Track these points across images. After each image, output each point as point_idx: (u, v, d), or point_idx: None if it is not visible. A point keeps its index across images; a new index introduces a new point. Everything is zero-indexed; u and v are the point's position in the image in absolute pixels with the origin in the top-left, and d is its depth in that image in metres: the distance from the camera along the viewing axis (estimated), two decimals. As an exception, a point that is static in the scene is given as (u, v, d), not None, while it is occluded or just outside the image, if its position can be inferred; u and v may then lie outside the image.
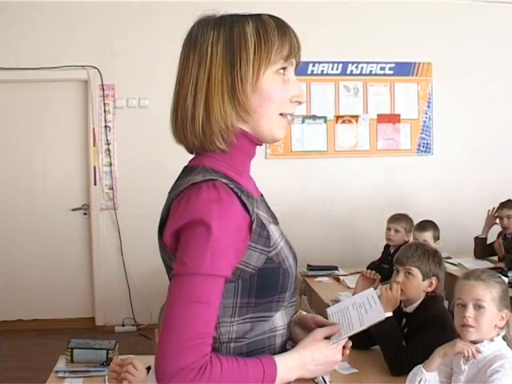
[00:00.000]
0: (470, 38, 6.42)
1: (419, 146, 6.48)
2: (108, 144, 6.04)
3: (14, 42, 5.85)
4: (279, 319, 1.37)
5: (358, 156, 6.42)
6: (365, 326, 1.39)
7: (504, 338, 2.28)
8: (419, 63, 6.41)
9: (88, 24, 5.93)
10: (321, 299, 4.20)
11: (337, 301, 3.57)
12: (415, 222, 4.93)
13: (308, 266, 5.02)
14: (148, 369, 2.35)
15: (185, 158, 1.43)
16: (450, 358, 2.29)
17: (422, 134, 6.47)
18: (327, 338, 1.39)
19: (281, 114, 1.36)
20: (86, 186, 6.13)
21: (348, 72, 6.35)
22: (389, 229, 4.94)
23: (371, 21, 6.28)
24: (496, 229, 5.30)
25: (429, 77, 6.44)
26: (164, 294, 1.27)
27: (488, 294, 2.24)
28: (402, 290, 2.90)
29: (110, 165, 6.05)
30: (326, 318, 1.50)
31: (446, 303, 3.15)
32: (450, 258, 5.10)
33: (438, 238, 4.80)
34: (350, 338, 1.41)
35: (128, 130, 6.02)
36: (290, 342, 1.42)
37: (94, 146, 6.02)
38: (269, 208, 1.43)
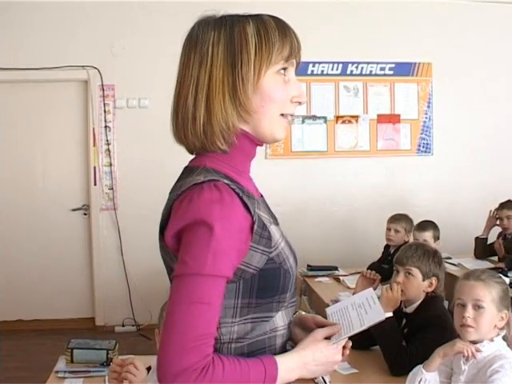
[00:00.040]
0: (469, 38, 6.42)
1: (419, 146, 6.48)
2: (108, 144, 6.04)
3: (14, 42, 5.85)
4: (280, 319, 1.37)
5: (358, 156, 6.42)
6: (365, 326, 1.39)
7: (504, 338, 2.28)
8: (419, 63, 6.41)
9: (88, 24, 5.93)
10: (321, 299, 4.20)
11: (337, 301, 3.57)
12: (415, 222, 4.93)
13: (308, 266, 5.02)
14: (148, 369, 2.35)
15: (185, 158, 1.43)
16: (450, 358, 2.29)
17: (421, 134, 6.47)
18: (327, 338, 1.39)
19: (281, 115, 1.36)
20: (86, 186, 6.13)
21: (348, 72, 6.35)
22: (389, 229, 4.93)
23: (371, 21, 6.28)
24: (496, 229, 5.30)
25: (429, 77, 6.44)
26: (164, 294, 1.27)
27: (487, 294, 2.24)
28: (402, 290, 2.90)
29: (110, 165, 6.05)
30: (326, 318, 1.50)
31: (446, 303, 3.15)
32: (450, 258, 5.11)
33: (438, 238, 4.80)
34: (350, 338, 1.41)
35: (128, 130, 6.02)
36: (289, 343, 1.43)
37: (94, 146, 6.02)
38: (269, 209, 1.43)
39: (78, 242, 6.18)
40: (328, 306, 1.59)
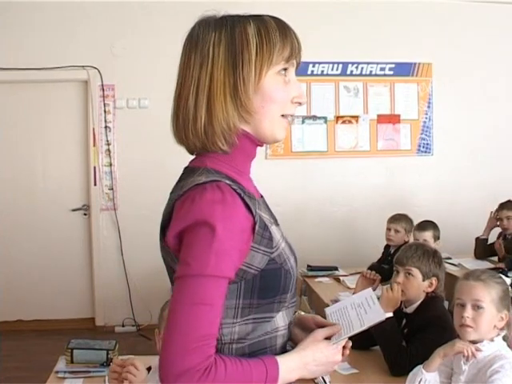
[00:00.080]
0: (469, 38, 6.42)
1: (419, 146, 6.48)
2: (108, 144, 6.04)
3: (14, 42, 5.85)
4: (280, 320, 1.38)
5: (358, 156, 6.42)
6: (365, 326, 1.39)
7: (504, 338, 2.28)
8: (419, 64, 6.41)
9: (88, 24, 5.93)
10: (321, 299, 4.20)
11: (337, 301, 3.57)
12: (415, 222, 4.93)
13: (308, 266, 5.02)
14: (148, 369, 2.35)
15: (185, 158, 1.43)
16: (450, 359, 2.30)
17: (422, 134, 6.47)
18: (327, 338, 1.39)
19: (282, 115, 1.36)
20: (86, 186, 6.13)
21: (348, 72, 6.35)
22: (389, 229, 4.94)
23: (371, 21, 6.28)
24: (496, 229, 5.30)
25: (429, 77, 6.44)
26: (164, 294, 1.27)
27: (487, 294, 2.24)
28: (402, 290, 2.90)
29: (110, 165, 6.05)
30: (325, 318, 1.50)
31: (446, 304, 3.15)
32: (450, 258, 5.11)
33: (439, 238, 4.80)
34: (350, 338, 1.41)
35: (128, 131, 6.02)
36: (289, 343, 1.43)
37: (94, 146, 6.02)
38: (269, 209, 1.43)
39: (78, 242, 6.18)
40: (328, 306, 1.58)
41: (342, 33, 6.24)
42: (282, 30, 1.33)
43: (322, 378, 1.49)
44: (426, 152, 6.48)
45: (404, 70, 6.41)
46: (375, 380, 2.73)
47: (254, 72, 1.30)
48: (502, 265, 4.73)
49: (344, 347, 1.41)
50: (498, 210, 5.23)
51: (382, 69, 6.39)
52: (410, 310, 2.94)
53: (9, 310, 5.96)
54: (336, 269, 5.03)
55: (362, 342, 2.78)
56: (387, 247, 5.04)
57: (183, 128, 1.34)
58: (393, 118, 6.43)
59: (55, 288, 6.09)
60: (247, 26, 1.32)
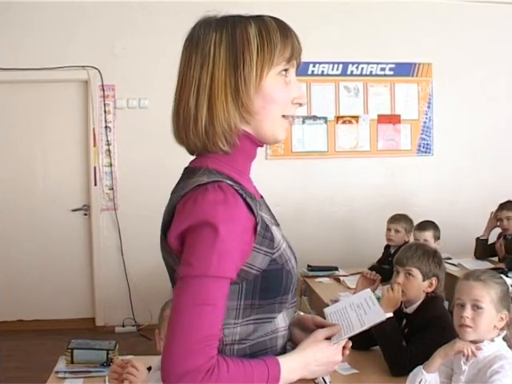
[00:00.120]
0: (469, 38, 6.42)
1: (419, 146, 6.48)
2: (108, 144, 6.04)
3: (14, 42, 5.85)
4: (281, 320, 1.38)
5: (358, 156, 6.41)
6: (366, 326, 1.39)
7: (504, 338, 2.28)
8: (419, 64, 6.41)
9: (88, 24, 5.93)
10: (321, 300, 4.20)
11: (337, 301, 3.57)
12: (415, 222, 4.93)
13: (308, 266, 5.02)
14: (149, 369, 2.35)
15: (185, 158, 1.43)
16: (451, 359, 2.30)
17: (422, 134, 6.47)
18: (328, 338, 1.39)
19: (283, 116, 1.36)
20: (86, 186, 6.13)
21: (348, 72, 6.35)
22: (389, 229, 4.94)
23: (371, 21, 6.28)
24: (497, 229, 5.29)
25: (429, 77, 6.44)
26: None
27: (486, 294, 2.24)
28: (402, 290, 2.90)
29: (111, 165, 6.05)
30: (325, 318, 1.50)
31: (446, 304, 3.15)
32: (450, 258, 5.10)
33: (439, 238, 4.80)
34: (350, 338, 1.41)
35: (128, 131, 6.02)
36: (289, 343, 1.43)
37: (95, 146, 6.02)
38: (270, 210, 1.43)
39: (78, 242, 6.18)
40: (328, 306, 1.59)
41: (342, 33, 6.24)
42: (283, 30, 1.33)
43: (323, 378, 1.49)
44: (426, 152, 6.48)
45: (404, 70, 6.41)
46: (375, 380, 2.73)
47: (255, 72, 1.30)
48: (502, 265, 4.73)
49: (344, 347, 1.41)
50: (497, 211, 5.23)
51: (383, 69, 6.39)
52: (410, 310, 2.94)
53: (9, 310, 5.96)
54: (336, 269, 5.03)
55: (362, 342, 2.78)
56: (387, 247, 5.04)
57: (184, 128, 1.34)
58: (393, 118, 6.43)
59: (55, 288, 6.09)
60: (248, 26, 1.32)
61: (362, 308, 1.45)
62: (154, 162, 5.91)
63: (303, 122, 6.28)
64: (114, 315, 6.09)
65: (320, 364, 1.36)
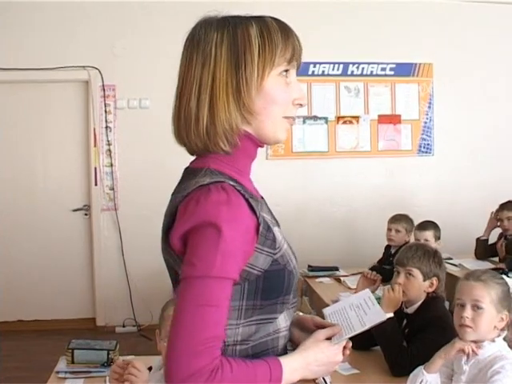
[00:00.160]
0: (470, 38, 6.42)
1: (420, 146, 6.48)
2: (109, 144, 6.04)
3: (14, 42, 5.85)
4: (282, 321, 1.38)
5: (358, 157, 6.41)
6: (366, 326, 1.40)
7: (505, 338, 2.28)
8: (420, 64, 6.41)
9: (88, 24, 5.93)
10: (322, 300, 4.20)
11: (337, 301, 3.57)
12: (416, 222, 4.93)
13: (309, 266, 5.02)
14: (150, 369, 2.36)
15: (186, 158, 1.42)
16: (452, 359, 2.29)
17: (422, 134, 6.47)
18: (328, 338, 1.39)
19: (284, 117, 1.36)
20: (86, 186, 6.13)
21: (349, 73, 6.35)
22: (389, 229, 4.94)
23: (371, 21, 6.28)
24: (497, 229, 5.29)
25: (429, 77, 6.44)
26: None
27: (487, 295, 2.24)
28: (403, 291, 2.90)
29: (111, 165, 6.05)
30: (324, 318, 1.50)
31: (447, 304, 3.15)
32: (450, 258, 5.10)
33: (439, 238, 4.80)
34: (351, 338, 1.41)
35: (129, 131, 6.02)
36: (288, 343, 1.43)
37: (95, 146, 6.02)
38: (270, 210, 1.43)
39: (78, 242, 6.18)
40: (328, 306, 1.59)
41: (343, 33, 6.24)
42: (284, 31, 1.33)
43: (323, 378, 1.49)
44: (426, 152, 6.48)
45: (405, 70, 6.41)
46: (376, 380, 2.73)
47: (256, 73, 1.30)
48: (502, 265, 4.73)
49: (344, 347, 1.41)
50: (498, 211, 5.22)
51: (383, 69, 6.39)
52: (410, 310, 2.94)
53: (9, 310, 5.96)
54: (337, 269, 5.03)
55: (362, 342, 2.78)
56: (388, 247, 5.04)
57: (185, 128, 1.34)
58: (393, 119, 6.43)
59: (56, 288, 6.09)
60: (249, 26, 1.31)
61: (361, 308, 1.46)
62: (155, 162, 5.91)
63: (304, 122, 6.28)
64: (115, 315, 6.09)
65: (321, 364, 1.36)
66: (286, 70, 1.35)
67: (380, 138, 6.43)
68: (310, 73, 6.24)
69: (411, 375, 2.33)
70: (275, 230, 1.33)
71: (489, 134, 6.48)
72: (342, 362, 1.44)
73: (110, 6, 5.95)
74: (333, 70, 6.33)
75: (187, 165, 1.40)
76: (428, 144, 6.48)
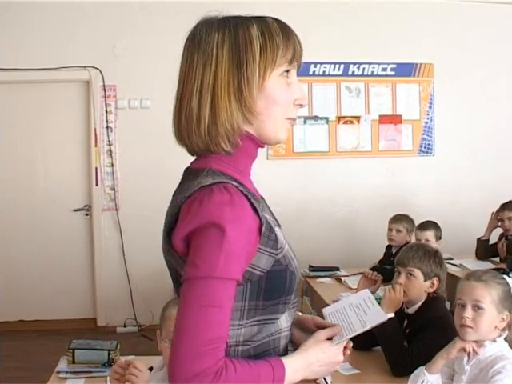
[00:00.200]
0: (470, 38, 6.42)
1: (421, 146, 6.48)
2: (110, 145, 6.04)
3: (14, 42, 5.85)
4: (284, 321, 1.38)
5: (359, 157, 6.41)
6: (367, 327, 1.39)
7: (506, 339, 2.28)
8: (421, 64, 6.41)
9: (89, 24, 5.93)
10: (322, 300, 4.19)
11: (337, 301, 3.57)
12: (416, 222, 4.93)
13: (310, 266, 5.02)
14: (150, 369, 2.35)
15: (187, 158, 1.42)
16: (453, 359, 2.29)
17: (423, 134, 6.47)
18: (329, 339, 1.39)
19: (285, 118, 1.36)
20: (87, 186, 6.13)
21: (350, 73, 6.35)
22: (390, 229, 4.94)
23: (371, 21, 6.28)
24: (498, 229, 5.29)
25: (430, 78, 6.44)
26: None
27: (487, 295, 2.24)
28: (404, 291, 2.90)
29: (112, 165, 6.05)
30: (323, 318, 1.50)
31: (448, 304, 3.15)
32: (451, 258, 5.10)
33: (440, 238, 4.80)
34: (352, 338, 1.41)
35: (130, 131, 6.02)
36: (289, 343, 1.43)
37: (96, 146, 6.02)
38: (270, 210, 1.43)
39: (79, 242, 6.18)
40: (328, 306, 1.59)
41: (343, 33, 6.24)
42: (285, 32, 1.33)
43: (324, 378, 1.49)
44: (427, 152, 6.48)
45: (406, 70, 6.41)
46: (377, 380, 2.73)
47: (258, 73, 1.30)
48: (503, 265, 4.73)
49: (345, 347, 1.41)
50: (499, 211, 5.21)
51: (384, 69, 6.39)
52: (411, 310, 2.94)
53: (10, 311, 5.96)
54: (337, 269, 5.03)
55: (363, 342, 2.79)
56: (389, 247, 5.04)
57: (186, 128, 1.33)
58: (394, 119, 6.43)
59: (56, 288, 6.09)
60: (250, 27, 1.31)
61: (361, 308, 1.46)
62: (156, 163, 5.91)
63: (305, 122, 6.28)
64: (116, 315, 6.10)
65: (322, 364, 1.36)
66: (287, 71, 1.35)
67: (381, 138, 6.43)
68: (310, 73, 6.24)
69: (412, 375, 2.33)
70: (277, 230, 1.33)
71: (489, 134, 6.48)
72: (343, 362, 1.44)
73: (110, 6, 5.95)
74: (334, 70, 6.33)
75: (188, 165, 1.40)
76: (429, 144, 6.48)
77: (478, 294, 2.24)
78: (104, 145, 6.04)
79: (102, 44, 5.96)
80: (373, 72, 6.38)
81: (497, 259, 5.11)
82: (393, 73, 6.40)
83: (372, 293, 1.56)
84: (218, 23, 1.33)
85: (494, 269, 4.36)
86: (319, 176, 6.37)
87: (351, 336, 1.40)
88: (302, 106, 1.39)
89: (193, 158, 1.40)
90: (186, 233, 1.23)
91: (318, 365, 1.35)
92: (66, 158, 6.12)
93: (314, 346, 1.36)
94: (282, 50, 1.31)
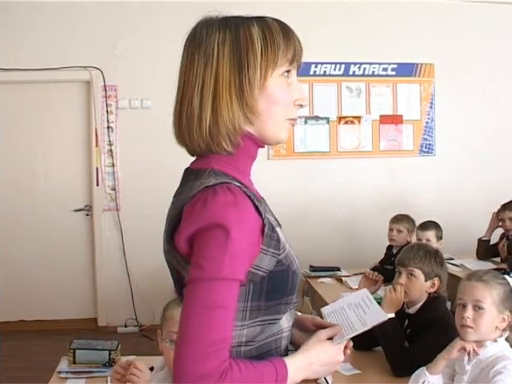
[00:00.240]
0: (470, 38, 6.42)
1: (422, 146, 6.48)
2: (110, 145, 6.04)
3: (15, 42, 5.85)
4: (285, 321, 1.38)
5: (360, 157, 6.41)
6: (368, 326, 1.40)
7: (507, 339, 2.28)
8: (422, 64, 6.41)
9: (89, 24, 5.93)
10: (323, 300, 4.19)
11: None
12: (417, 222, 4.93)
13: (310, 266, 5.01)
14: (151, 369, 2.35)
15: (187, 159, 1.42)
16: (454, 359, 2.29)
17: (424, 134, 6.47)
18: (330, 338, 1.39)
19: (286, 119, 1.36)
20: (88, 186, 6.14)
21: (350, 73, 6.35)
22: (391, 229, 4.93)
23: (371, 21, 6.28)
24: (499, 230, 5.28)
25: (431, 78, 6.43)
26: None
27: (488, 295, 2.24)
28: (404, 291, 2.89)
29: (113, 165, 6.05)
30: (322, 318, 1.50)
31: (448, 304, 3.15)
32: (452, 258, 5.09)
33: (441, 238, 4.80)
34: (352, 338, 1.41)
35: (130, 131, 6.02)
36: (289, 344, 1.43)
37: (97, 146, 6.02)
38: (271, 211, 1.43)
39: (80, 242, 6.18)
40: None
41: (343, 33, 6.24)
42: (285, 32, 1.33)
43: (325, 378, 1.49)
44: (428, 152, 6.48)
45: (406, 70, 6.41)
46: (377, 380, 2.73)
47: (259, 73, 1.30)
48: (504, 265, 4.72)
49: (345, 347, 1.41)
50: (500, 211, 5.21)
51: (385, 69, 6.39)
52: (412, 310, 2.93)
53: (11, 311, 5.96)
54: (338, 269, 5.03)
55: (364, 342, 2.79)
56: (390, 248, 5.04)
57: (187, 129, 1.33)
58: (395, 119, 6.43)
59: (57, 288, 6.09)
60: (251, 27, 1.31)
61: (360, 308, 1.46)
62: (157, 163, 5.92)
63: (305, 123, 6.28)
64: (116, 315, 6.10)
65: (323, 364, 1.36)
66: (288, 71, 1.35)
67: (382, 138, 6.43)
68: (311, 73, 6.24)
69: (413, 376, 2.33)
70: (278, 230, 1.33)
71: (489, 134, 6.48)
72: (344, 361, 1.44)
73: (111, 6, 5.95)
74: (334, 70, 6.33)
75: (188, 165, 1.40)
76: (429, 144, 6.48)
77: (479, 294, 2.24)
78: (105, 145, 6.05)
79: (103, 44, 5.96)
80: (373, 72, 6.38)
81: (498, 259, 5.11)
82: (393, 73, 6.40)
83: (373, 293, 1.56)
84: (219, 23, 1.33)
85: (495, 269, 4.36)
86: (320, 176, 6.37)
87: (352, 335, 1.40)
88: (302, 106, 1.38)
89: (193, 159, 1.40)
90: (189, 233, 1.23)
91: (319, 364, 1.35)
92: (66, 158, 6.12)
93: (315, 346, 1.36)
94: (283, 50, 1.31)
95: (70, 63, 5.86)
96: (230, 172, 1.31)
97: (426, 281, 2.91)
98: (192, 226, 1.22)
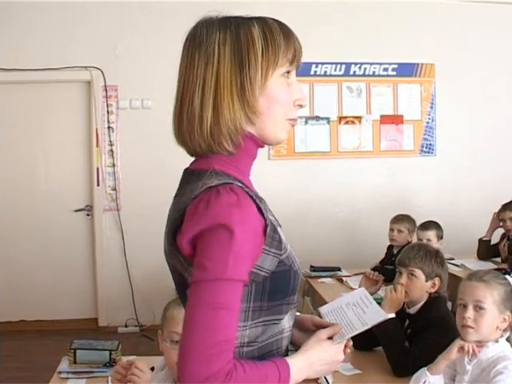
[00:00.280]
0: (470, 38, 6.42)
1: (422, 146, 6.48)
2: (111, 145, 6.04)
3: (15, 42, 5.85)
4: (286, 321, 1.38)
5: (361, 157, 6.41)
6: (368, 325, 1.40)
7: (508, 339, 2.28)
8: (422, 64, 6.40)
9: (89, 24, 5.93)
10: (324, 300, 4.18)
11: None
12: (418, 222, 4.93)
13: (311, 266, 5.01)
14: (152, 369, 2.35)
15: (188, 159, 1.41)
16: (454, 359, 2.29)
17: (424, 134, 6.47)
18: (330, 338, 1.39)
19: (286, 119, 1.36)
20: (89, 186, 6.14)
21: (351, 73, 6.35)
22: (392, 229, 4.94)
23: (372, 21, 6.28)
24: (499, 230, 5.28)
25: (432, 78, 6.43)
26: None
27: (489, 295, 2.24)
28: (405, 291, 2.89)
29: (113, 166, 6.05)
30: (320, 317, 1.50)
31: (449, 304, 3.15)
32: (452, 258, 5.09)
33: (442, 238, 4.81)
34: (352, 338, 1.41)
35: (131, 131, 6.03)
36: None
37: (97, 146, 6.03)
38: (271, 210, 1.43)
39: (80, 242, 6.18)
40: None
41: (343, 33, 6.24)
42: (285, 32, 1.33)
43: (325, 378, 1.49)
44: (428, 152, 6.48)
45: (407, 70, 6.41)
46: (378, 380, 2.73)
47: (260, 73, 1.29)
48: (505, 266, 4.72)
49: (345, 346, 1.41)
50: (500, 211, 5.21)
51: (385, 69, 6.39)
52: (412, 310, 2.93)
53: (11, 311, 5.97)
54: (339, 269, 5.03)
55: (364, 342, 2.79)
56: (390, 248, 5.04)
57: (188, 129, 1.32)
58: (396, 119, 6.43)
59: (58, 288, 6.10)
60: (252, 27, 1.31)
61: (359, 307, 1.46)
62: (157, 163, 5.92)
63: (306, 123, 6.28)
64: (117, 315, 6.10)
65: (324, 363, 1.36)
66: (288, 71, 1.35)
67: (382, 139, 6.42)
68: (312, 73, 6.24)
69: (414, 376, 2.33)
70: (279, 230, 1.33)
71: (489, 134, 6.48)
72: (344, 361, 1.44)
73: (111, 6, 5.95)
74: (335, 70, 6.33)
75: (188, 166, 1.39)
76: (430, 144, 6.47)
77: (480, 295, 2.24)
78: (105, 145, 6.05)
79: (103, 44, 5.96)
80: (374, 72, 6.38)
81: (498, 259, 5.11)
82: (394, 73, 6.40)
83: (373, 293, 1.55)
84: (219, 23, 1.32)
85: (496, 269, 4.35)
86: (320, 176, 6.37)
87: (352, 335, 1.40)
88: (301, 106, 1.38)
89: (193, 159, 1.40)
90: (192, 235, 1.22)
91: (319, 364, 1.35)
92: (67, 158, 6.12)
93: (315, 346, 1.36)
94: (284, 50, 1.31)
95: (70, 63, 5.87)
96: (231, 172, 1.31)
97: (426, 281, 2.91)
98: (195, 227, 1.21)
